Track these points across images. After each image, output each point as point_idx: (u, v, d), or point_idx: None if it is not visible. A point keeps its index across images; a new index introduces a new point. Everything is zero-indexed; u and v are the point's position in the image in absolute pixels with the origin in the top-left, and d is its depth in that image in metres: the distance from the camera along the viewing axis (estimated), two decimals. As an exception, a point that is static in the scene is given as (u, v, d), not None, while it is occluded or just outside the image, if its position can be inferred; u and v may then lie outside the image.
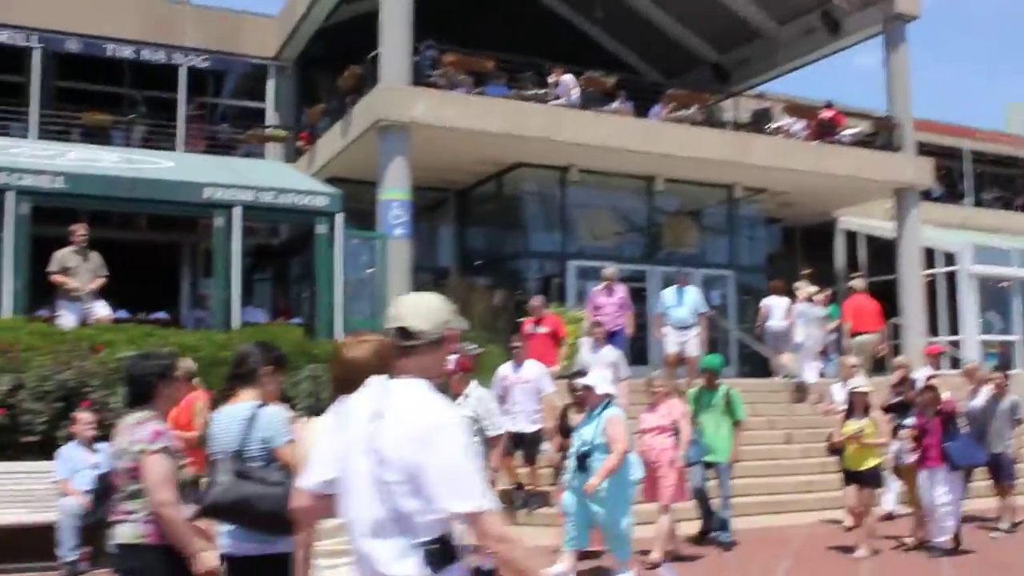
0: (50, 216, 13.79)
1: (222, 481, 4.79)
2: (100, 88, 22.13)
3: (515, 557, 3.06)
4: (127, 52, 20.68)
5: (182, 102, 21.27)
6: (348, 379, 3.81)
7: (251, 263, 17.52)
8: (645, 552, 9.69)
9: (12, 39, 20.13)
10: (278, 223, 19.35)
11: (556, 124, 18.20)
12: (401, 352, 3.42)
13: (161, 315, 15.73)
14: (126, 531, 4.91)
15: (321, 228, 14.47)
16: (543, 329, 14.48)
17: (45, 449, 10.14)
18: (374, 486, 3.17)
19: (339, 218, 14.61)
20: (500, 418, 8.88)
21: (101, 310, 13.11)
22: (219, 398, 5.99)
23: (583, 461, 8.65)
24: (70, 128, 20.87)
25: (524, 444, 12.03)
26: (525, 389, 11.99)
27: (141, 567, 4.86)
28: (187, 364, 9.70)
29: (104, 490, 6.63)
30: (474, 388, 8.67)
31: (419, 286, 17.89)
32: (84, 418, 9.61)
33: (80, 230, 13.25)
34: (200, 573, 4.84)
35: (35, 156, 15.09)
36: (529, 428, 11.91)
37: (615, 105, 19.69)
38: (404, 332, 3.40)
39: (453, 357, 8.77)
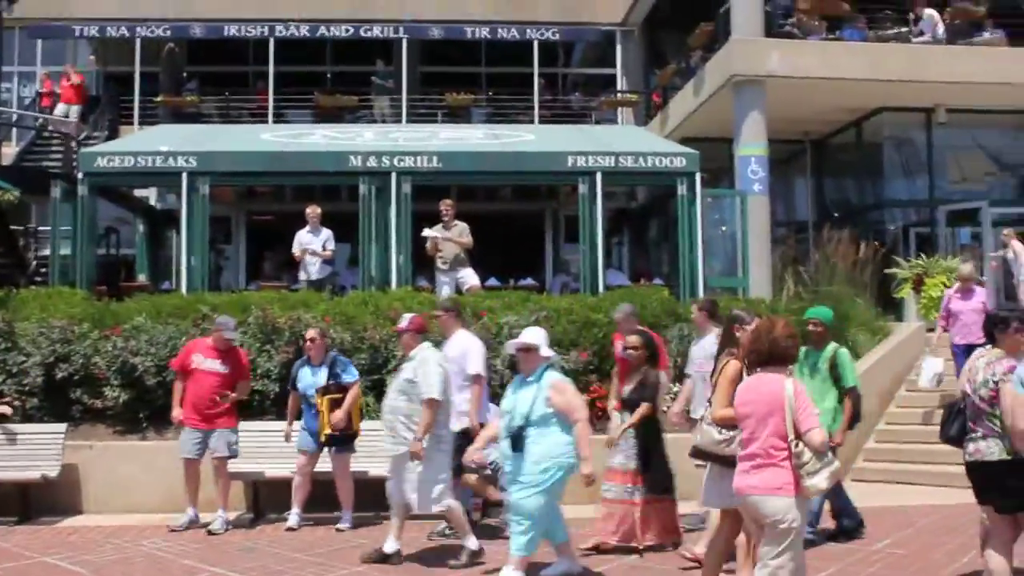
0: (426, 193, 14.82)
1: None
2: (458, 70, 23.54)
3: None
4: (484, 32, 21.69)
5: (536, 75, 22.02)
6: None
7: (608, 227, 17.95)
8: None
9: (383, 32, 21.70)
10: (637, 186, 19.70)
11: (921, 63, 17.22)
12: None
13: (529, 281, 16.52)
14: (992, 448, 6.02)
15: (681, 189, 14.53)
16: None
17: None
18: None
19: (697, 178, 14.60)
20: (437, 381, 7.89)
21: (471, 279, 13.87)
22: None
23: (516, 441, 7.00)
24: (436, 109, 22.40)
25: None
26: None
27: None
28: None
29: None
30: (421, 350, 8.10)
31: (777, 242, 17.64)
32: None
33: (446, 205, 13.98)
34: None
35: (411, 139, 16.29)
36: None
37: (985, 35, 18.27)
38: None
39: (407, 316, 8.48)
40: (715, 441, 6.32)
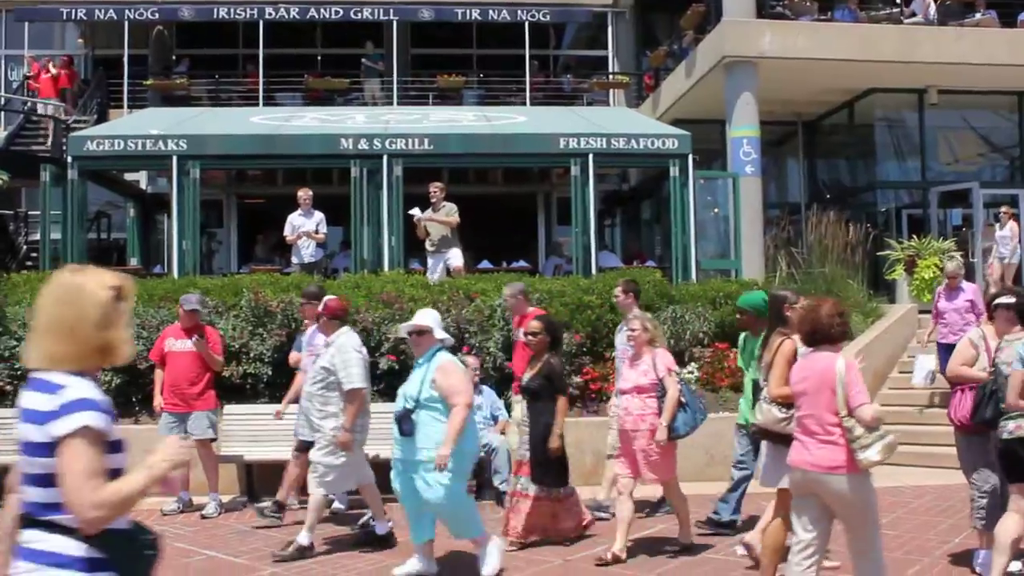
0: (417, 175, 14.77)
1: None
2: (450, 52, 23.46)
3: None
4: (475, 14, 21.57)
5: (527, 57, 21.93)
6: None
7: (600, 209, 17.94)
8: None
9: (373, 14, 21.56)
10: (629, 168, 19.69)
11: (911, 44, 17.17)
12: None
13: (522, 263, 16.49)
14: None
15: (673, 171, 14.51)
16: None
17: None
18: None
19: (690, 160, 14.59)
20: (358, 370, 7.76)
21: (456, 260, 13.83)
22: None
23: (404, 423, 6.77)
24: (427, 91, 22.32)
25: None
26: None
27: None
28: None
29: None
30: (339, 335, 7.94)
31: (770, 223, 17.65)
32: (470, 363, 10.20)
33: (435, 188, 13.86)
34: None
35: (402, 122, 16.24)
36: None
37: (977, 16, 18.27)
38: None
39: (325, 299, 8.25)
40: (776, 419, 6.27)
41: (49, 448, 2.68)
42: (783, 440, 6.19)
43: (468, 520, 6.92)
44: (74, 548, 2.70)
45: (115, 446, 2.81)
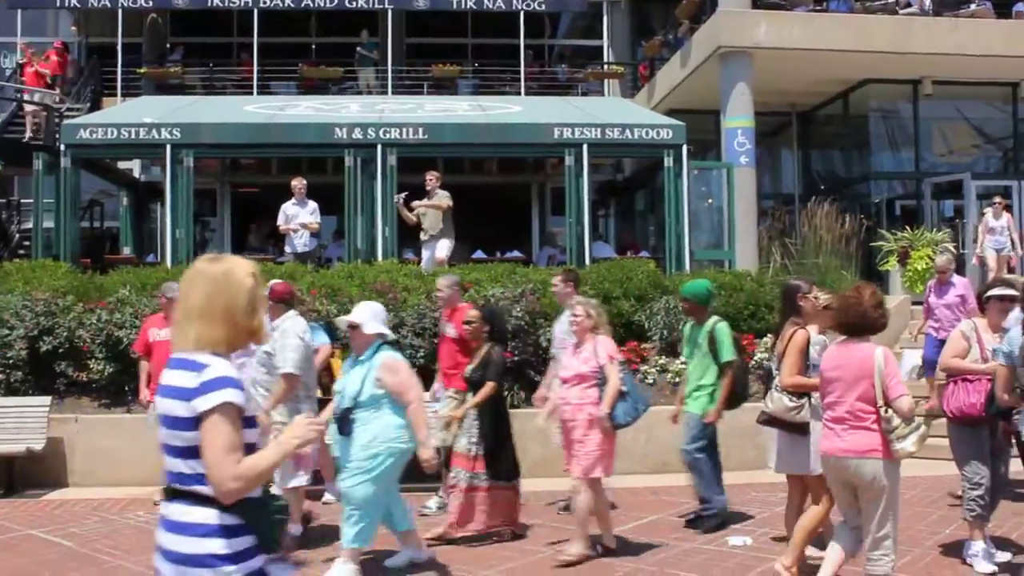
0: (412, 165, 14.75)
1: None
2: (444, 41, 23.38)
3: None
4: (470, 3, 21.46)
5: (522, 46, 21.85)
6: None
7: (594, 199, 17.93)
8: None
9: (368, 3, 21.41)
10: (624, 158, 19.68)
11: (907, 35, 17.16)
12: None
13: (516, 254, 16.48)
14: None
15: (668, 161, 14.51)
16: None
17: (423, 381, 10.91)
18: None
19: (684, 150, 14.59)
20: (294, 355, 7.54)
21: (439, 251, 13.84)
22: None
23: (344, 424, 6.56)
24: (421, 81, 22.26)
25: None
26: None
27: None
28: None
29: None
30: (283, 320, 7.74)
31: (764, 214, 17.65)
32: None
33: (431, 176, 13.93)
34: None
35: (397, 111, 16.23)
36: None
37: (972, 7, 18.24)
38: None
39: (271, 283, 7.94)
40: (787, 408, 6.32)
41: (194, 422, 2.91)
42: (794, 429, 6.22)
43: (366, 527, 6.53)
44: (214, 517, 2.93)
45: (250, 422, 3.04)
